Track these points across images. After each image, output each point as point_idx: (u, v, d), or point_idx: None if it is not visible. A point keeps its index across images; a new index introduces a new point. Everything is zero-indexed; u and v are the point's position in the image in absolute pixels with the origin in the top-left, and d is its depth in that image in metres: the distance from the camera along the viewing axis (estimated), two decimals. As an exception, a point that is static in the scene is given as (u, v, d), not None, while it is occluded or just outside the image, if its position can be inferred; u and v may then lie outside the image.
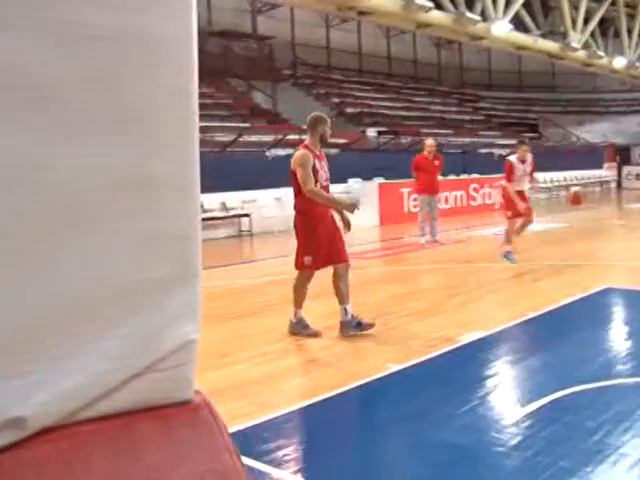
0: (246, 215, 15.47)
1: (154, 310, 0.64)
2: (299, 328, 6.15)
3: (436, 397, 4.34)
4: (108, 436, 0.60)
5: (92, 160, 0.58)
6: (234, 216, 15.52)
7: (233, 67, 22.84)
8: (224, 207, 15.55)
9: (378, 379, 4.76)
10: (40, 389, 0.56)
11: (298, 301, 6.21)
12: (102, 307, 0.61)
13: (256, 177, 15.72)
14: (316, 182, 5.85)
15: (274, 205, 16.10)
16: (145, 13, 0.59)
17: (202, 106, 19.60)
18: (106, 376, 0.61)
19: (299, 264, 6.06)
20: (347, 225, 6.06)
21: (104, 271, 0.60)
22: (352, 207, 5.86)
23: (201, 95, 20.22)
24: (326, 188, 5.98)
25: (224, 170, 15.31)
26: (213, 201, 15.25)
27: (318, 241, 5.94)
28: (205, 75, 21.87)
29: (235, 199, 15.58)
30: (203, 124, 17.85)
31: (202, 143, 17.20)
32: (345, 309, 6.09)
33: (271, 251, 13.34)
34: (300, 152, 5.91)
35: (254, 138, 18.40)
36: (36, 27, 0.54)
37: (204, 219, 14.94)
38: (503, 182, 9.94)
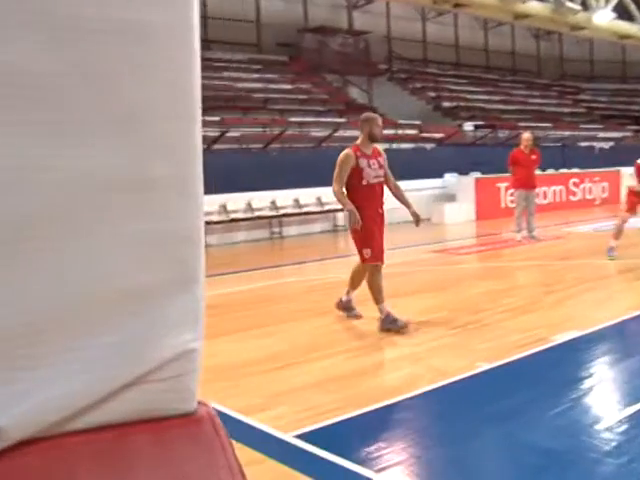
0: (341, 210, 15.44)
1: (149, 317, 0.60)
2: (388, 324, 6.13)
3: (527, 398, 4.23)
4: (96, 448, 0.57)
5: (90, 161, 0.56)
6: (329, 211, 15.55)
7: (329, 63, 22.89)
8: (319, 202, 15.61)
9: (467, 378, 4.67)
10: (21, 398, 0.54)
11: (376, 297, 6.24)
12: (92, 313, 0.58)
13: (351, 172, 15.72)
14: (362, 179, 6.09)
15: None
16: (143, 5, 0.57)
17: (298, 101, 19.78)
18: (94, 385, 0.57)
19: (362, 259, 6.27)
20: (415, 218, 6.40)
21: (98, 275, 0.57)
22: (353, 222, 6.01)
23: (297, 91, 20.40)
24: (374, 186, 6.16)
25: (319, 165, 15.28)
26: (309, 196, 15.34)
27: (371, 234, 6.12)
28: (301, 71, 22.03)
29: (330, 194, 15.56)
30: (299, 119, 18.01)
31: (297, 138, 17.41)
32: (380, 308, 6.19)
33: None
34: (343, 152, 6.17)
35: (349, 133, 18.35)
36: (32, 23, 0.51)
37: (300, 214, 15.06)
38: (633, 184, 9.47)
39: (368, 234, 6.11)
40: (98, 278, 0.56)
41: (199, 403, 0.67)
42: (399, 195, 6.50)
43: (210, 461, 0.64)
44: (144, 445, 0.60)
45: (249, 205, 14.40)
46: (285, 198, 15.01)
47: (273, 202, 14.83)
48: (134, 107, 0.56)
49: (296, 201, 15.21)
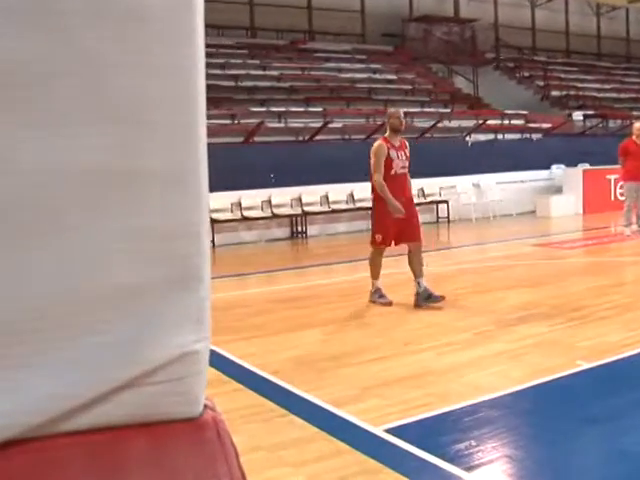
0: (444, 202, 15.27)
1: (144, 316, 0.57)
2: (376, 297, 6.98)
3: (629, 400, 4.02)
4: (86, 451, 0.55)
5: (78, 151, 0.53)
6: (432, 202, 15.38)
7: (434, 52, 22.55)
8: (422, 193, 15.45)
9: (566, 376, 4.50)
10: (2, 398, 0.53)
11: (374, 273, 7.06)
12: (80, 311, 0.56)
13: (455, 163, 15.46)
14: (391, 169, 6.72)
15: (472, 192, 15.75)
16: None
17: (402, 92, 19.61)
18: (83, 386, 0.55)
19: (372, 241, 7.06)
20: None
21: (86, 271, 0.55)
22: (395, 211, 6.62)
23: (401, 81, 20.22)
24: (402, 177, 6.81)
25: (423, 156, 15.10)
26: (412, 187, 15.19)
27: (389, 221, 6.74)
28: (406, 61, 21.81)
29: (433, 185, 15.42)
30: (403, 110, 17.83)
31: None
32: (418, 282, 6.84)
33: (467, 238, 13.08)
34: (376, 143, 6.85)
35: (454, 124, 18.07)
36: (11, 8, 0.48)
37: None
38: None
39: (386, 222, 6.78)
40: (86, 274, 0.54)
41: (206, 408, 0.64)
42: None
43: (209, 470, 0.62)
44: (137, 449, 0.58)
45: (351, 196, 14.41)
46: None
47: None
48: (127, 95, 0.54)
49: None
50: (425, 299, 6.75)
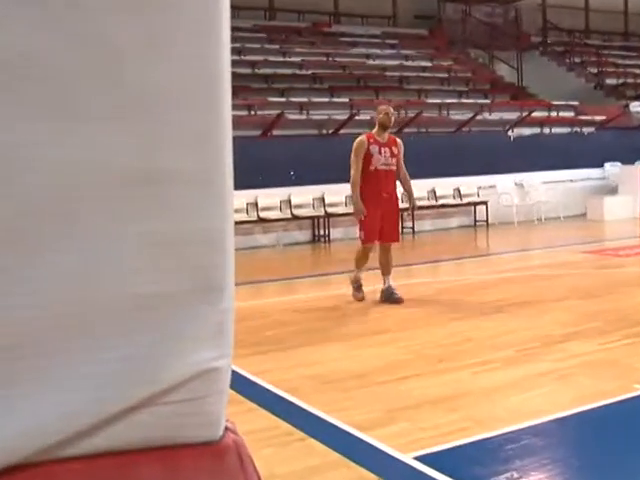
0: (482, 203, 15.23)
1: (159, 330, 0.58)
2: (354, 286, 7.78)
3: (691, 429, 3.97)
4: (94, 478, 0.55)
5: (91, 149, 0.54)
6: (469, 204, 15.34)
7: (473, 36, 22.50)
8: (458, 194, 15.42)
9: (622, 402, 4.46)
10: (4, 421, 0.53)
11: (357, 265, 7.75)
12: (88, 324, 0.56)
13: (495, 160, 15.40)
14: (370, 164, 7.42)
15: (515, 192, 15.67)
16: None
17: (437, 80, 19.59)
18: (92, 407, 0.55)
19: (359, 237, 7.76)
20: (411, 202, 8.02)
21: (96, 281, 0.55)
22: (356, 212, 7.58)
23: (437, 68, 20.20)
24: (382, 172, 7.46)
25: (459, 152, 15.19)
26: (446, 187, 15.18)
27: (368, 218, 7.45)
28: (441, 46, 21.78)
29: (470, 185, 15.38)
30: (438, 100, 17.82)
31: (435, 122, 17.24)
32: (384, 279, 7.69)
33: (508, 244, 13.02)
34: (358, 138, 7.52)
35: (494, 116, 17.99)
36: None
37: (435, 206, 14.93)
38: None
39: (366, 218, 7.48)
40: (100, 283, 0.55)
41: (227, 430, 0.65)
42: (405, 185, 7.91)
43: None
44: (151, 475, 0.58)
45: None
46: (420, 189, 14.90)
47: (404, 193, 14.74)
48: (146, 89, 0.54)
49: (432, 192, 15.08)
50: (388, 296, 7.62)
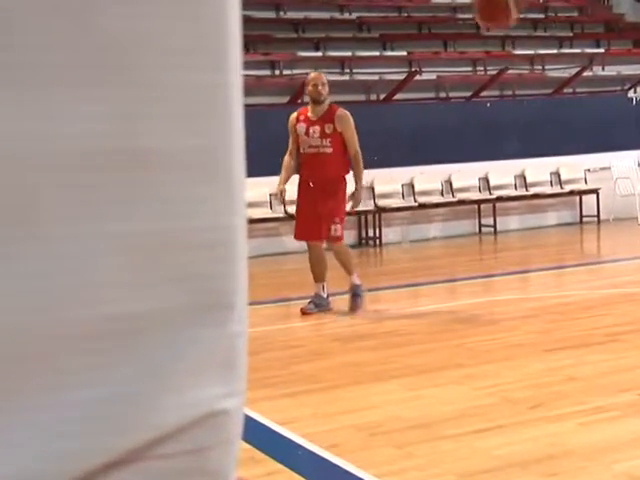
0: (592, 192, 15.10)
1: (147, 361, 0.57)
2: (317, 303, 8.62)
3: None
4: None
5: (39, 126, 0.54)
6: (572, 193, 15.21)
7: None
8: (557, 179, 15.31)
9: None
10: None
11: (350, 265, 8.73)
12: (55, 354, 0.56)
13: (610, 132, 15.25)
14: (300, 148, 8.34)
15: (638, 176, 15.50)
16: None
17: (529, 24, 19.38)
18: (57, 463, 0.55)
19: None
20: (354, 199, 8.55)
21: (61, 299, 0.55)
22: (278, 191, 8.59)
23: (528, 6, 19.97)
24: (309, 157, 8.30)
25: (559, 122, 15.07)
26: (540, 170, 15.07)
27: (297, 209, 8.65)
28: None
29: (575, 167, 15.26)
30: (529, 52, 17.68)
31: (526, 81, 17.05)
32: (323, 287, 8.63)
33: (627, 248, 12.88)
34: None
35: (610, 71, 17.82)
36: None
37: (526, 197, 14.82)
38: None
39: (296, 209, 8.68)
40: (65, 300, 0.55)
41: None
42: (354, 170, 8.42)
43: None
44: None
45: (448, 184, 14.37)
46: (503, 173, 14.83)
47: (484, 178, 14.69)
48: (124, 40, 0.54)
49: (520, 178, 14.99)
50: (316, 305, 8.58)
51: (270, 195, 13.07)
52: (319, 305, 8.63)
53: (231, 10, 0.60)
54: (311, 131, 8.27)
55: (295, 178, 8.62)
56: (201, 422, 0.59)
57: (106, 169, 0.54)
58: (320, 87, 8.30)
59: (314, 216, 8.30)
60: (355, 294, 8.61)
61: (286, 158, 8.56)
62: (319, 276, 8.59)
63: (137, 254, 0.56)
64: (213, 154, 0.59)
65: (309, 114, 8.36)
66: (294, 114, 8.50)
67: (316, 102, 8.35)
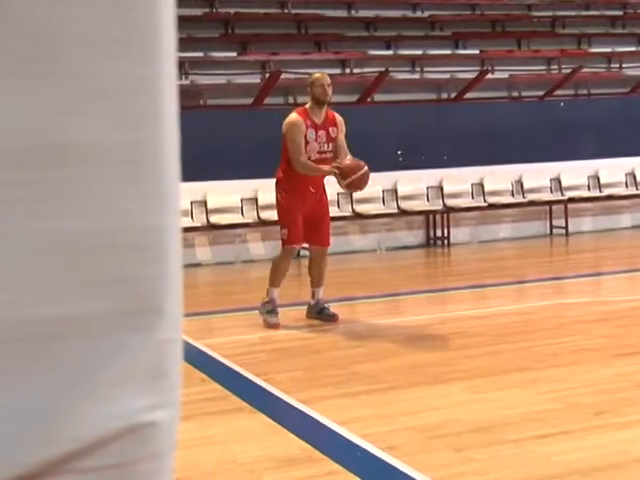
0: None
1: (66, 369, 0.54)
2: (264, 311, 8.19)
3: None
4: None
5: None
6: (642, 195, 15.03)
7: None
8: (633, 180, 15.12)
9: None
10: None
11: (273, 280, 8.19)
12: None
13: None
14: (305, 153, 7.88)
15: None
16: None
17: (606, 20, 19.14)
18: None
19: (281, 238, 8.22)
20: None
21: None
22: (326, 172, 7.85)
23: (607, 2, 19.77)
24: (318, 163, 7.85)
25: (634, 122, 14.89)
26: (615, 170, 14.89)
27: (293, 215, 8.03)
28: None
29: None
30: (606, 49, 17.44)
31: (602, 80, 16.86)
32: (313, 292, 8.35)
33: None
34: (289, 119, 8.00)
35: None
36: None
37: (600, 198, 14.64)
38: None
39: (290, 214, 8.04)
40: None
41: None
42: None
43: None
44: None
45: (519, 184, 14.29)
46: (576, 174, 14.68)
47: (556, 179, 14.55)
48: (50, 35, 0.52)
49: (594, 179, 14.83)
50: (318, 312, 8.25)
51: (338, 194, 13.11)
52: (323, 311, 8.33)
53: (165, 9, 0.58)
54: (319, 136, 7.99)
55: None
56: (126, 435, 0.56)
57: (20, 166, 0.52)
58: (328, 88, 8.00)
59: (320, 222, 8.17)
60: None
61: (305, 158, 7.90)
62: (319, 281, 8.37)
63: (57, 254, 0.54)
64: (142, 150, 0.56)
65: (313, 118, 8.01)
66: (298, 117, 7.98)
67: (322, 104, 8.02)
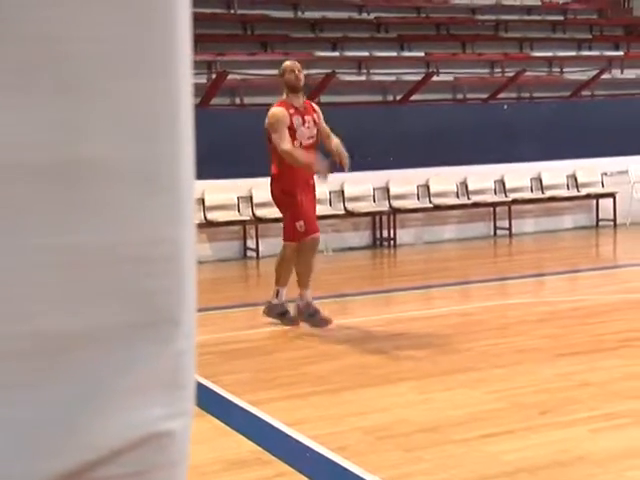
0: (608, 195, 15.06)
1: (82, 381, 0.55)
2: (273, 311, 8.06)
3: None
4: None
5: None
6: (589, 196, 15.16)
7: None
8: (573, 182, 15.27)
9: None
10: None
11: (282, 278, 8.03)
12: None
13: (628, 136, 15.18)
14: (294, 140, 7.73)
15: (656, 180, 15.45)
16: None
17: (547, 25, 19.31)
18: None
19: (294, 235, 7.92)
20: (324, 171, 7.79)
21: None
22: (313, 167, 7.67)
23: (547, 8, 19.91)
24: (309, 149, 7.83)
25: (576, 125, 15.01)
26: (556, 173, 15.03)
27: (301, 204, 7.85)
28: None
29: (592, 170, 15.21)
30: (547, 53, 17.61)
31: (544, 84, 16.98)
32: (301, 295, 7.93)
33: (642, 252, 12.85)
34: (272, 110, 7.84)
35: (629, 74, 17.75)
36: None
37: (542, 200, 14.78)
38: None
39: (302, 204, 7.85)
40: None
41: None
42: (328, 142, 8.04)
43: None
44: None
45: (464, 186, 14.36)
46: (520, 176, 14.79)
47: (500, 181, 14.65)
48: (57, 43, 0.53)
49: (537, 181, 14.96)
50: (310, 315, 7.86)
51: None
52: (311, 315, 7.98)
53: (181, 12, 0.59)
54: (305, 121, 7.89)
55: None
56: (143, 444, 0.57)
57: (35, 180, 0.53)
58: (299, 73, 7.94)
59: (313, 212, 8.19)
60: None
61: (290, 147, 7.71)
62: (306, 280, 8.03)
63: (72, 268, 0.54)
64: (157, 164, 0.57)
65: (295, 105, 7.91)
66: (280, 108, 7.83)
67: (297, 91, 7.93)
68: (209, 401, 5.78)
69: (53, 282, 0.54)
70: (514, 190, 14.64)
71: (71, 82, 0.53)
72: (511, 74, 16.01)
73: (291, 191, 7.82)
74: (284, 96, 7.96)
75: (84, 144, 0.54)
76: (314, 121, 7.95)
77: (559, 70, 17.54)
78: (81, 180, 0.54)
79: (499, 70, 17.01)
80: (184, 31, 0.59)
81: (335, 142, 8.00)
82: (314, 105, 8.23)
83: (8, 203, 0.52)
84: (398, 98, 15.43)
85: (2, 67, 0.52)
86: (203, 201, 12.48)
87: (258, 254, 12.61)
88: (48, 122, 0.53)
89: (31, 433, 0.53)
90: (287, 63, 8.11)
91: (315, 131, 7.95)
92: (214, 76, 14.02)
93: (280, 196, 8.02)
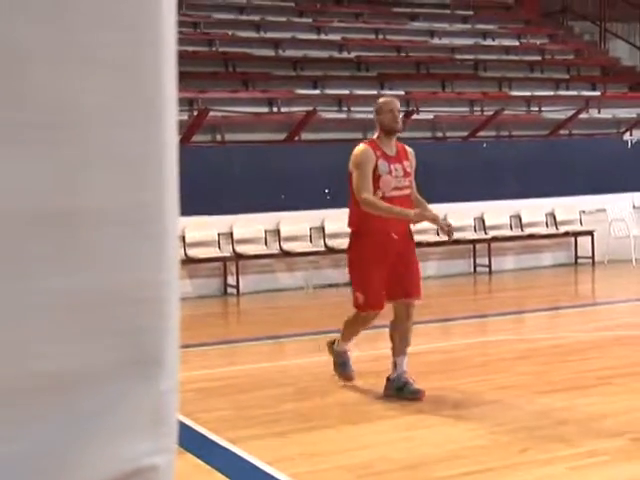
0: (587, 233, 15.14)
1: (72, 417, 0.56)
2: (340, 363, 7.17)
3: None
4: None
5: None
6: (567, 234, 15.24)
7: (577, 3, 22.46)
8: (552, 220, 15.34)
9: None
10: None
11: (345, 335, 7.21)
12: None
13: (605, 174, 15.30)
14: (378, 189, 6.57)
15: (633, 218, 15.54)
16: None
17: (526, 66, 19.50)
18: None
19: (354, 301, 6.89)
20: (445, 229, 7.02)
21: None
22: (419, 217, 6.66)
23: (525, 48, 20.13)
24: (392, 200, 6.60)
25: (555, 164, 15.12)
26: (535, 211, 15.10)
27: (369, 273, 6.69)
28: (533, 18, 21.75)
29: (570, 208, 15.29)
30: (526, 93, 17.76)
31: (523, 122, 17.11)
32: (395, 363, 6.81)
33: (622, 290, 12.90)
34: (359, 148, 6.76)
35: (605, 113, 17.91)
36: None
37: (521, 237, 14.85)
38: None
39: (366, 273, 6.72)
40: None
41: None
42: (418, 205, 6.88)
43: None
44: None
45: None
46: (498, 213, 14.86)
47: (480, 218, 14.71)
48: (58, 101, 0.54)
49: (516, 218, 15.03)
50: (398, 389, 6.69)
51: (266, 232, 13.10)
52: None
53: (167, 68, 0.60)
54: (393, 169, 6.65)
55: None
56: (128, 478, 0.58)
57: (34, 227, 0.54)
58: (398, 114, 6.87)
59: (407, 271, 6.81)
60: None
61: (373, 198, 6.55)
62: (403, 348, 6.93)
63: (68, 310, 0.55)
64: (146, 211, 0.58)
65: (384, 149, 6.69)
66: (367, 147, 6.72)
67: (393, 133, 6.77)
68: (188, 439, 5.75)
69: (51, 324, 0.55)
70: (494, 227, 14.70)
71: (66, 134, 0.54)
72: (490, 113, 16.12)
73: (363, 254, 6.72)
74: (374, 136, 6.92)
75: (77, 192, 0.55)
76: (404, 170, 6.74)
77: (537, 109, 17.68)
78: (76, 227, 0.55)
79: (478, 109, 17.13)
80: (171, 85, 0.60)
81: (430, 211, 6.89)
82: (408, 149, 6.97)
83: (8, 247, 0.53)
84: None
85: (5, 122, 0.53)
86: (184, 238, 12.46)
87: (238, 291, 12.59)
88: (47, 173, 0.54)
89: (22, 468, 0.54)
90: (385, 100, 7.08)
91: (404, 183, 6.74)
92: (196, 113, 14.05)
93: (351, 255, 7.09)
